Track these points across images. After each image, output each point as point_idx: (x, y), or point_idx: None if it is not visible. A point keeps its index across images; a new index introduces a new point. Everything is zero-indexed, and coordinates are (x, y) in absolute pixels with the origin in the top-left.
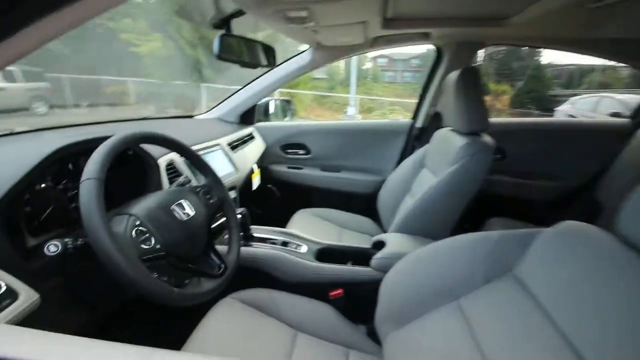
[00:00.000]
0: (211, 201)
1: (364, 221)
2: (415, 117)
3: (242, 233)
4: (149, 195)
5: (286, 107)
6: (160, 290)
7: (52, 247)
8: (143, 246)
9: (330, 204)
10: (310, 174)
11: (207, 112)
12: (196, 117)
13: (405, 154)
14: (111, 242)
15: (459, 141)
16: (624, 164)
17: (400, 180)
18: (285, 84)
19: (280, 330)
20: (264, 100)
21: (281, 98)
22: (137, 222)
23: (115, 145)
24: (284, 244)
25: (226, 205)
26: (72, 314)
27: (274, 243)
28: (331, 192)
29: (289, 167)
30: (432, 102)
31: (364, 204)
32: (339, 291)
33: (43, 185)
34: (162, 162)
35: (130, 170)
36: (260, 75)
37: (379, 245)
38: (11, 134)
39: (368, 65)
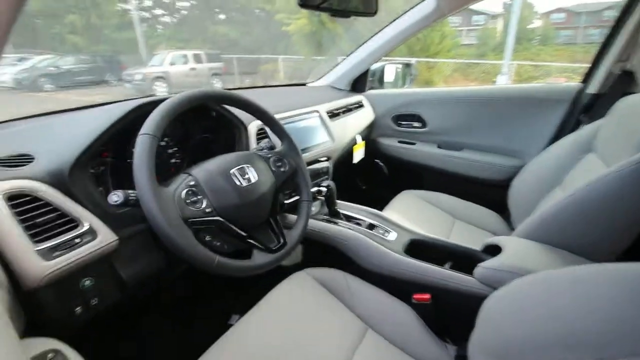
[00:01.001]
0: (282, 169)
1: (487, 215)
2: (586, 79)
3: (327, 208)
4: (217, 158)
5: (406, 72)
6: (199, 256)
7: (114, 197)
8: (191, 208)
9: (445, 188)
10: (424, 151)
11: (319, 79)
12: (309, 84)
13: (563, 131)
14: (153, 199)
15: None
16: None
17: (550, 167)
18: (402, 42)
19: (350, 321)
20: (378, 64)
21: (400, 60)
22: (192, 183)
23: (174, 105)
24: (371, 226)
25: (299, 176)
26: (149, 261)
27: (359, 224)
28: (448, 174)
29: (400, 142)
30: (620, 56)
31: (490, 193)
32: (426, 296)
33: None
34: (253, 127)
35: (221, 133)
36: (374, 35)
37: (492, 250)
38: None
39: (536, 23)
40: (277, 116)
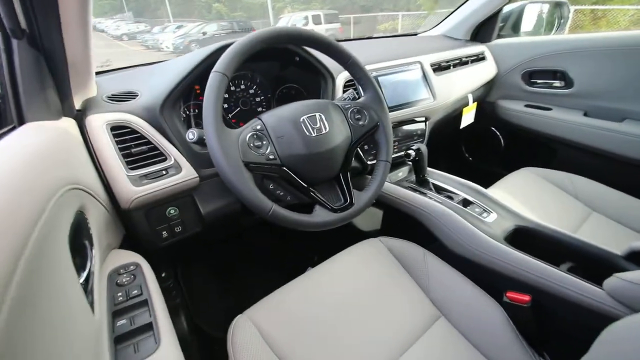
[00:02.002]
0: (361, 123)
1: None
2: None
3: (415, 175)
4: (291, 104)
5: (554, 14)
6: (254, 201)
7: (190, 135)
8: (254, 152)
9: (585, 170)
10: (564, 119)
11: (433, 27)
12: (420, 34)
13: None
14: (215, 137)
15: None
16: None
17: None
18: None
19: (420, 302)
20: (516, 4)
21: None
22: (259, 127)
23: (245, 43)
24: (465, 203)
25: (380, 132)
26: (227, 203)
27: (450, 197)
28: (594, 152)
29: (528, 106)
30: None
31: None
32: (525, 297)
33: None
34: (341, 78)
35: (307, 83)
36: None
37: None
38: None
39: None
40: (370, 67)
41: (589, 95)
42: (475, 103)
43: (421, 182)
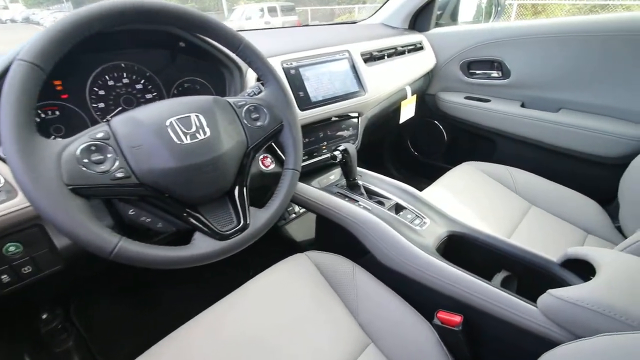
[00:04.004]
0: (259, 124)
1: (582, 204)
2: None
3: (344, 179)
4: (155, 103)
5: (492, 1)
6: (86, 238)
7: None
8: (89, 170)
9: (525, 162)
10: (501, 111)
11: (372, 15)
12: (359, 22)
13: None
14: (17, 152)
15: None
16: None
17: None
18: None
19: (348, 328)
20: None
21: None
22: (100, 135)
23: (72, 22)
24: (398, 208)
25: (285, 134)
26: None
27: (381, 203)
28: (532, 143)
29: (468, 98)
30: None
31: (593, 175)
32: (456, 319)
33: None
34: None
35: (212, 77)
36: None
37: (578, 266)
38: None
39: None
40: (290, 56)
41: (526, 86)
42: (415, 96)
43: (352, 186)
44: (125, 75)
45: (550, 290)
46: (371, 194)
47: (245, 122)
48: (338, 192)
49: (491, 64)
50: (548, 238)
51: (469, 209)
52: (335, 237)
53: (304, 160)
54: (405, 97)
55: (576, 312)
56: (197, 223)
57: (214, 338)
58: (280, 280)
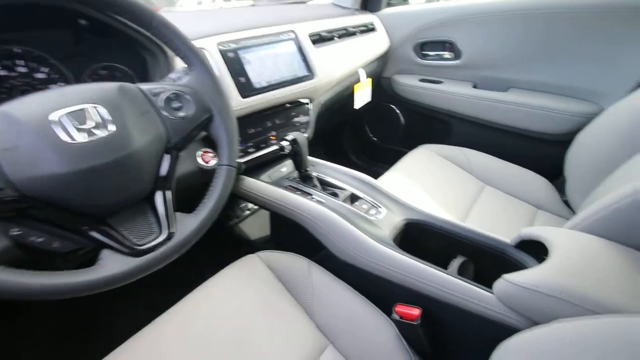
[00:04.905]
0: (181, 114)
1: (532, 181)
2: None
3: (297, 171)
4: (41, 94)
5: None
6: None
7: None
8: None
9: (479, 143)
10: (455, 93)
11: None
12: (309, 2)
13: None
14: None
15: None
16: None
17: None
18: None
19: (305, 330)
20: None
21: None
22: None
23: None
24: (353, 198)
25: (215, 126)
26: None
27: (335, 195)
28: (484, 124)
29: (423, 80)
30: None
31: (543, 152)
32: (414, 312)
33: None
34: None
35: (134, 61)
36: None
37: (532, 247)
38: None
39: None
40: (227, 37)
41: (477, 66)
42: (370, 80)
43: (304, 178)
44: (20, 63)
45: (504, 276)
46: (325, 185)
47: (165, 113)
48: (289, 186)
49: (443, 44)
50: (502, 217)
51: (425, 194)
52: (290, 233)
53: (250, 153)
54: (357, 81)
55: (531, 297)
56: (102, 238)
57: (159, 353)
58: (229, 287)
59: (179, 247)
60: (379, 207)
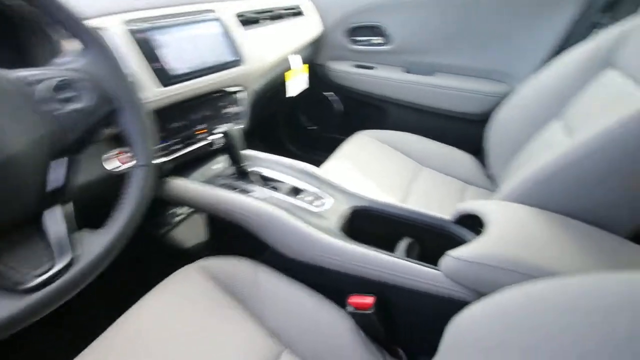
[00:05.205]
0: (73, 107)
1: (459, 159)
2: None
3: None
4: None
5: None
6: None
7: None
8: None
9: (414, 126)
10: (388, 78)
11: None
12: None
13: (569, 41)
14: None
15: None
16: None
17: (548, 91)
18: None
19: (256, 339)
20: None
21: None
22: None
23: None
24: (295, 191)
25: (124, 120)
26: None
27: (276, 189)
28: (415, 107)
29: (357, 66)
30: None
31: (468, 130)
32: (368, 301)
33: None
34: None
35: (4, 41)
36: None
37: (469, 221)
38: None
39: None
40: (133, 15)
41: (406, 51)
42: (306, 66)
43: (241, 174)
44: None
45: (448, 252)
46: (265, 180)
47: (51, 105)
48: (225, 184)
49: (373, 30)
50: (439, 196)
51: (367, 179)
52: (230, 236)
53: (176, 150)
54: (290, 68)
55: (475, 270)
56: None
57: None
58: (165, 306)
59: (84, 273)
60: (324, 197)
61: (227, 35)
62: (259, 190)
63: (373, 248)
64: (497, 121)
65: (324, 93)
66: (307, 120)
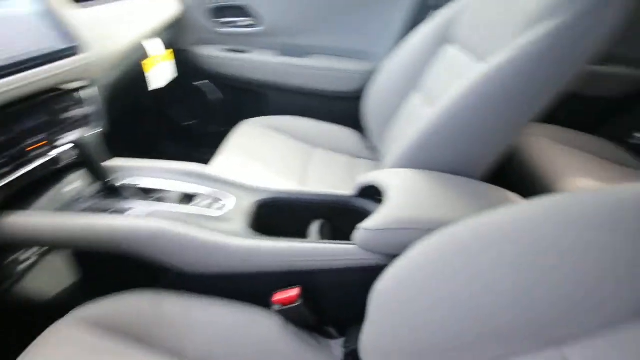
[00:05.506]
0: None
1: (347, 136)
2: None
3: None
4: None
5: None
6: None
7: None
8: None
9: (297, 109)
10: (264, 62)
11: None
12: None
13: (414, 21)
14: None
15: None
16: None
17: (404, 68)
18: None
19: None
20: None
21: None
22: None
23: None
24: (187, 198)
25: None
26: None
27: (160, 199)
28: (294, 90)
29: (229, 50)
30: None
31: (346, 108)
32: (292, 293)
33: None
34: None
35: None
36: None
37: (369, 192)
38: None
39: None
40: None
41: (279, 33)
42: (171, 51)
43: (111, 191)
44: None
45: (359, 225)
46: (145, 192)
47: None
48: (89, 207)
49: (241, 10)
50: (335, 173)
51: (263, 169)
52: (112, 269)
53: (3, 176)
54: (147, 55)
55: (386, 236)
56: None
57: None
58: None
59: None
60: (223, 197)
61: (51, 15)
62: (138, 206)
63: (286, 239)
64: (369, 97)
65: (196, 83)
66: (183, 115)
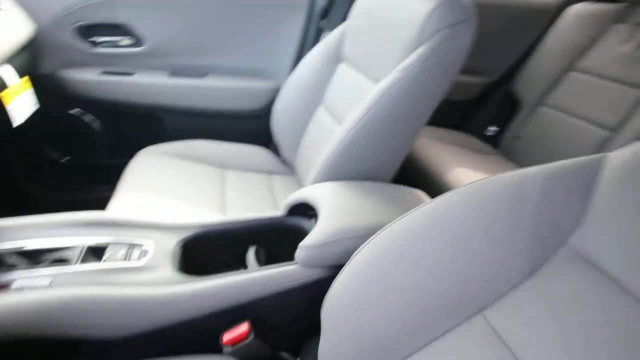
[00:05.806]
0: None
1: (257, 153)
2: None
3: None
4: None
5: None
6: None
7: None
8: None
9: (199, 132)
10: (152, 84)
11: None
12: None
13: (306, 42)
14: None
15: (424, 4)
16: (546, 50)
17: (309, 84)
18: None
19: None
20: None
21: None
22: None
23: None
24: (94, 252)
25: None
26: None
27: (60, 260)
28: (195, 112)
29: (107, 73)
30: None
31: (251, 125)
32: (242, 330)
33: None
34: None
35: None
36: None
37: (300, 210)
38: None
39: None
40: None
41: (170, 53)
42: (27, 79)
43: None
44: None
45: (300, 244)
46: (32, 256)
47: None
48: None
49: (117, 28)
50: (254, 194)
51: (175, 202)
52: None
53: None
54: (6, 86)
55: (327, 250)
56: None
57: None
58: None
59: None
60: (138, 243)
61: None
62: (30, 274)
63: (223, 274)
64: (276, 114)
65: (69, 112)
66: (59, 152)
